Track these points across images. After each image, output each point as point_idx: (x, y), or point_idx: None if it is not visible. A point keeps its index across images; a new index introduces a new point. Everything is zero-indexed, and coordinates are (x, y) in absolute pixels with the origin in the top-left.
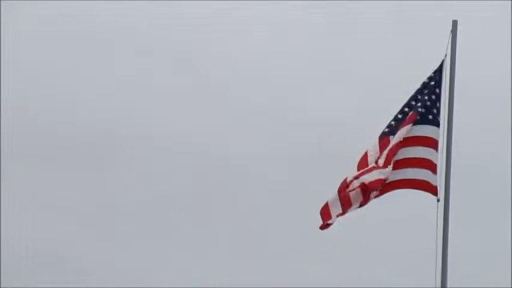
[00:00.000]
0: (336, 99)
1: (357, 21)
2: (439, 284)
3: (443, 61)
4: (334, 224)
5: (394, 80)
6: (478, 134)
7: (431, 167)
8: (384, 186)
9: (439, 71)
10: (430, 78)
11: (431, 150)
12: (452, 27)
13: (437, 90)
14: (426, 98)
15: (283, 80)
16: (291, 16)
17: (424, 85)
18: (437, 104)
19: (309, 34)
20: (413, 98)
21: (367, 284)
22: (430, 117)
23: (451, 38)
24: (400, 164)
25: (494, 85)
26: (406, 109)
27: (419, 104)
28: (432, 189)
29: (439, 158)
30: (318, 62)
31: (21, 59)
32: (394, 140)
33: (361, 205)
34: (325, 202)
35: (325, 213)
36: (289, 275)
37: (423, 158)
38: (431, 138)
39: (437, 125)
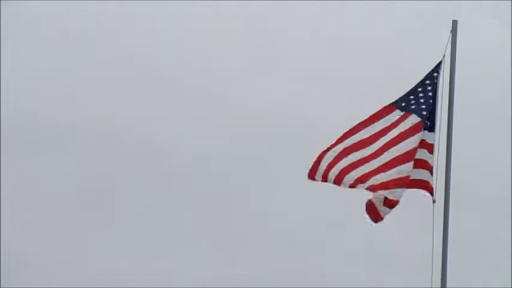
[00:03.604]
0: (332, 99)
1: (357, 21)
2: (438, 284)
3: (440, 62)
4: (334, 224)
5: (394, 80)
6: (477, 135)
7: (430, 169)
8: (378, 186)
9: (436, 72)
10: (427, 80)
11: (427, 152)
12: (452, 27)
13: (431, 94)
14: (424, 101)
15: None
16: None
17: (422, 87)
18: (433, 108)
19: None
20: (412, 99)
21: (367, 284)
22: (428, 123)
23: (451, 38)
24: (397, 161)
25: (494, 85)
26: (405, 109)
27: (421, 107)
28: (427, 187)
29: (435, 160)
30: (314, 61)
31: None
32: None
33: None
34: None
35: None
36: (288, 275)
37: (421, 159)
38: (426, 142)
39: (433, 130)
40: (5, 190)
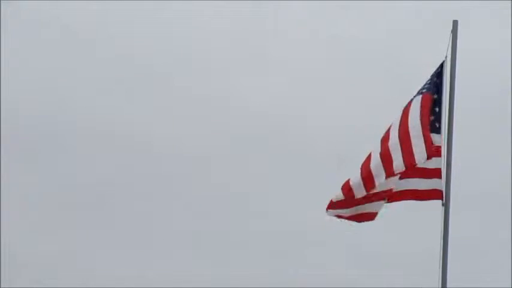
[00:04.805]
0: (332, 99)
1: (357, 21)
2: (439, 284)
3: (442, 63)
4: (334, 224)
5: (394, 80)
6: (478, 135)
7: (437, 174)
8: (393, 195)
9: (437, 75)
10: (429, 83)
11: (438, 159)
12: (452, 27)
13: (435, 96)
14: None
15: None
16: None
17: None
18: (437, 110)
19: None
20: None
21: (367, 284)
22: (437, 124)
23: (451, 38)
24: (408, 174)
25: (494, 86)
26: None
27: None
28: (437, 196)
29: (442, 162)
30: (314, 62)
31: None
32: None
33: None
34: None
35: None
36: (288, 275)
37: (431, 168)
38: (439, 147)
39: (439, 131)
40: (5, 190)
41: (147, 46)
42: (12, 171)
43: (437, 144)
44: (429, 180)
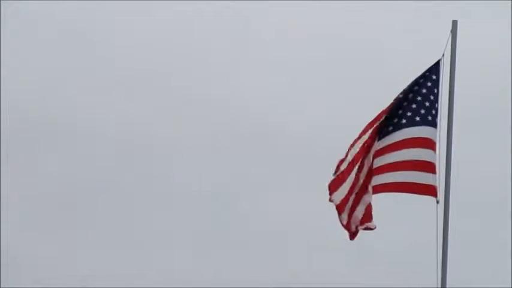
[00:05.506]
0: (331, 99)
1: (356, 21)
2: (439, 284)
3: (439, 60)
4: (334, 224)
5: (394, 80)
6: (477, 135)
7: (431, 168)
8: (377, 187)
9: (435, 70)
10: (424, 79)
11: (430, 151)
12: (452, 27)
13: (436, 90)
14: (423, 98)
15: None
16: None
17: (419, 85)
18: (436, 105)
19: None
20: (406, 99)
21: (367, 284)
22: (430, 118)
23: (450, 38)
24: (395, 167)
25: (494, 85)
26: (400, 111)
27: (414, 106)
28: (431, 191)
29: (437, 158)
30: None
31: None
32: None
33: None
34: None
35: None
36: (289, 275)
37: (423, 161)
38: (429, 139)
39: (435, 125)
40: (6, 190)
41: (147, 46)
42: (12, 171)
43: (432, 138)
44: (422, 173)
